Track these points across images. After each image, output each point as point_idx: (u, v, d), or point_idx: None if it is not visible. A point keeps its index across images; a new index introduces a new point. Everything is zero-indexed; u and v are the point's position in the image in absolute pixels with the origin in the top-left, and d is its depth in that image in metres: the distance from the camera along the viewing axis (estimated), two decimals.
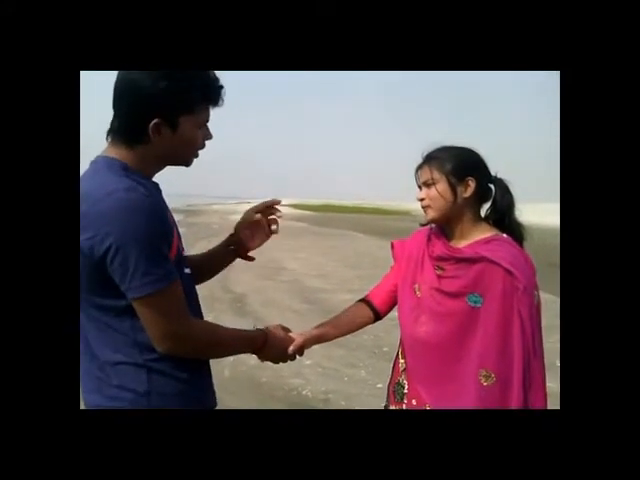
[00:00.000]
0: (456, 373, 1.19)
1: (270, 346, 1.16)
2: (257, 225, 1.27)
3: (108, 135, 1.01)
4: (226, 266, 1.33)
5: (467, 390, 1.17)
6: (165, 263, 0.94)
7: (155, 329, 0.93)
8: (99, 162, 0.99)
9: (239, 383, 3.40)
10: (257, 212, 1.27)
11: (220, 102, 1.04)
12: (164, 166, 1.05)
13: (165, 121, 0.96)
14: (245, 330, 1.16)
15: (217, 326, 1.07)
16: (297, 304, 6.07)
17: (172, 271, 0.95)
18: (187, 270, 1.07)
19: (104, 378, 0.97)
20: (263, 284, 7.24)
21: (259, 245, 1.29)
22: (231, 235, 1.29)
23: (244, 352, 1.16)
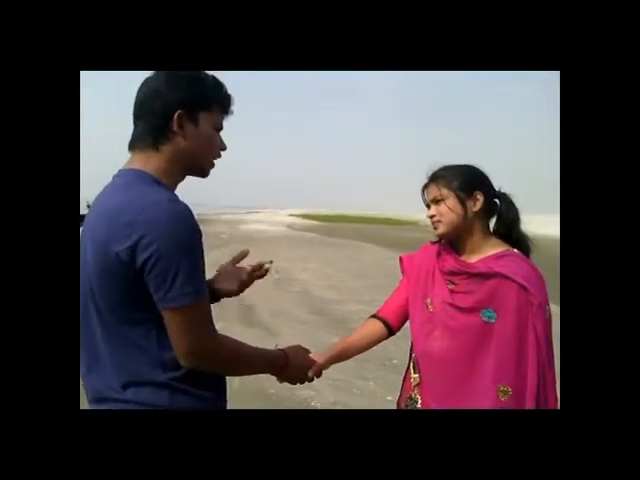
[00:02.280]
0: (471, 388, 1.19)
1: (290, 368, 1.17)
2: (231, 272, 1.28)
3: (131, 147, 1.02)
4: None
5: (483, 405, 1.17)
6: (201, 276, 0.95)
7: (183, 342, 0.92)
8: (128, 175, 1.00)
9: (248, 394, 3.38)
10: (234, 263, 1.30)
11: (230, 110, 1.08)
12: (185, 175, 1.06)
13: (187, 114, 0.99)
14: (267, 350, 1.15)
15: (241, 344, 1.05)
16: (306, 314, 6.05)
17: (204, 285, 0.96)
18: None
19: (120, 397, 0.96)
20: (272, 294, 7.24)
21: (229, 293, 1.28)
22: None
23: (264, 372, 1.15)
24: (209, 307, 0.97)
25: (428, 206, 1.31)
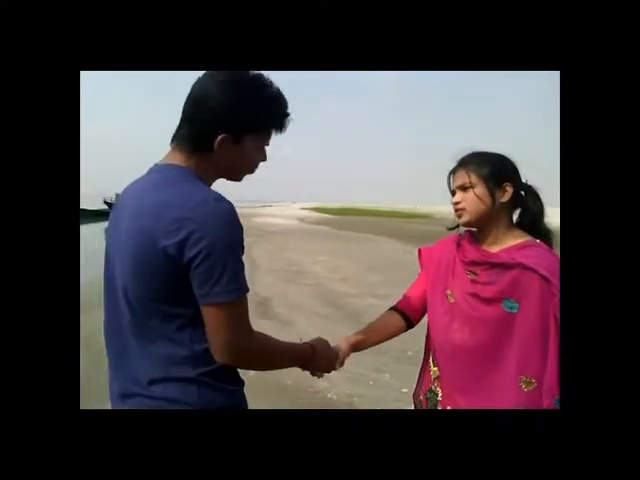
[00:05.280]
0: (494, 379, 1.19)
1: (317, 359, 1.19)
2: None
3: (173, 141, 1.03)
4: None
5: (506, 396, 1.17)
6: (243, 273, 0.96)
7: (222, 338, 0.94)
8: (168, 170, 1.01)
9: (265, 385, 3.44)
10: None
11: (284, 129, 1.08)
12: (217, 178, 1.07)
13: (232, 136, 0.99)
14: (295, 344, 1.18)
15: (273, 339, 1.06)
16: (321, 308, 6.10)
17: (246, 283, 0.97)
18: None
19: (145, 393, 0.97)
20: (287, 287, 7.30)
21: None
22: None
23: (293, 366, 1.17)
24: (247, 304, 0.98)
25: (453, 192, 1.27)
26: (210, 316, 0.93)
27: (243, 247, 0.97)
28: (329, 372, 1.28)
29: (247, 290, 0.96)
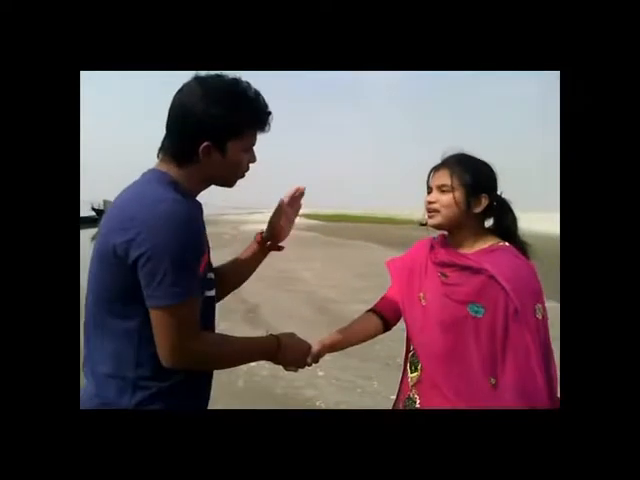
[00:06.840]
0: (468, 381, 1.18)
1: (285, 351, 1.16)
2: (287, 216, 1.31)
3: (159, 152, 1.04)
4: (255, 268, 1.36)
5: (482, 398, 1.16)
6: (191, 278, 0.95)
7: (166, 341, 0.94)
8: (149, 174, 1.03)
9: (253, 394, 3.41)
10: (287, 204, 1.30)
11: (267, 128, 1.07)
12: (208, 185, 1.08)
13: (214, 145, 1.00)
14: (257, 338, 1.16)
15: (227, 337, 1.07)
16: (310, 314, 6.07)
17: (195, 287, 0.97)
18: (210, 293, 1.08)
19: (98, 392, 0.98)
20: (276, 294, 7.26)
21: (288, 234, 1.35)
22: (260, 233, 1.34)
23: (259, 359, 1.17)
24: (197, 308, 0.98)
25: (430, 189, 1.27)
26: (154, 319, 0.94)
27: (198, 250, 0.97)
28: (302, 367, 1.26)
29: (193, 294, 0.96)
